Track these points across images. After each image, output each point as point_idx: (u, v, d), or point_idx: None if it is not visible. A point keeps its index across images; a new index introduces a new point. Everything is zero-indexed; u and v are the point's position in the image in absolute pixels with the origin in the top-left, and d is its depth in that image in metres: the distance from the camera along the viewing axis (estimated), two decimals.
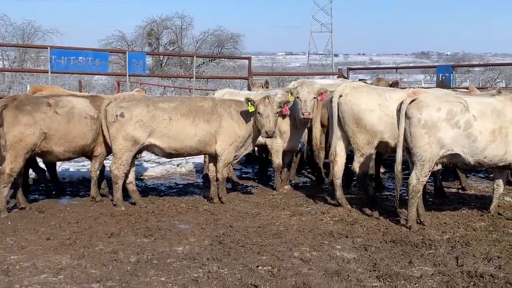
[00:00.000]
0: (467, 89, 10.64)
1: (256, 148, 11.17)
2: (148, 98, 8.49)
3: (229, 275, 5.45)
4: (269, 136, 8.28)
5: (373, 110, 7.94)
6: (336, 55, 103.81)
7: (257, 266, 5.66)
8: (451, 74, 13.29)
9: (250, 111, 8.28)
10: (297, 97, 8.90)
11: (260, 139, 9.04)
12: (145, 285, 5.22)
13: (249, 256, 6.01)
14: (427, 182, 7.65)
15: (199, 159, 11.54)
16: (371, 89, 8.48)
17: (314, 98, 9.01)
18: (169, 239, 6.63)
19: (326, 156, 10.07)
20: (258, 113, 8.21)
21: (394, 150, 7.45)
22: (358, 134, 8.12)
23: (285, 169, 9.70)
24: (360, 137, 8.15)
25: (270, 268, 5.60)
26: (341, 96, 8.20)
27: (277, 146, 9.41)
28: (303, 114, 8.83)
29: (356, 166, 8.27)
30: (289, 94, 8.92)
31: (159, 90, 27.59)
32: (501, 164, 7.32)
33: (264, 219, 7.60)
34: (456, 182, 9.78)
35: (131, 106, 8.06)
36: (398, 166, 7.18)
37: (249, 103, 8.25)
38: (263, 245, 6.36)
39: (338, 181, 8.35)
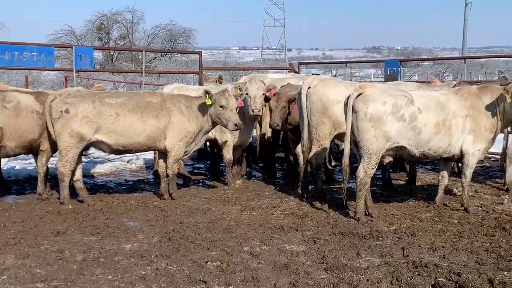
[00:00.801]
0: (427, 82, 10.80)
1: (207, 143, 11.14)
2: (94, 93, 8.33)
3: (178, 271, 5.42)
4: (238, 128, 8.28)
5: (339, 102, 7.99)
6: (289, 50, 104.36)
7: (206, 262, 5.64)
8: (399, 68, 13.53)
9: (208, 103, 8.22)
10: (246, 94, 8.89)
11: (210, 134, 9.03)
12: (91, 284, 5.14)
13: (198, 252, 5.98)
14: (375, 174, 7.77)
15: (150, 155, 11.42)
16: (338, 81, 8.71)
17: (263, 94, 9.05)
18: (117, 237, 6.54)
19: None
20: (221, 106, 8.17)
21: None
22: (322, 125, 8.27)
23: (236, 164, 9.70)
24: (323, 128, 8.28)
25: (219, 263, 5.59)
26: (309, 87, 8.31)
27: (227, 141, 9.40)
28: (253, 111, 8.85)
29: (312, 157, 8.38)
30: (238, 90, 8.90)
31: (109, 85, 27.16)
32: (445, 156, 7.50)
33: (215, 215, 7.58)
34: (403, 174, 9.96)
35: (77, 102, 7.89)
36: (345, 159, 7.27)
37: (207, 95, 8.19)
38: (213, 241, 6.35)
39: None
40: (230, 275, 5.29)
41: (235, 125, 8.17)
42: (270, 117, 8.99)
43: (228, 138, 9.34)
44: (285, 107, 8.83)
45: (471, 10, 47.87)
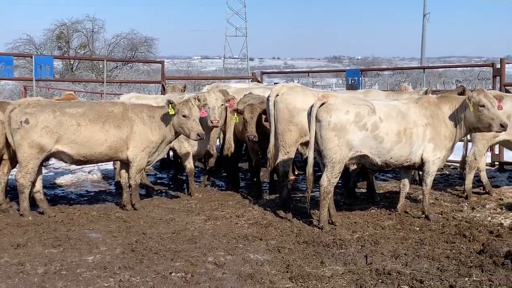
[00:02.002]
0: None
1: (171, 153, 11.07)
2: (55, 103, 8.20)
3: (142, 283, 5.35)
4: (201, 138, 8.25)
5: (306, 110, 8.04)
6: (251, 59, 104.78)
7: (170, 273, 5.59)
8: (360, 78, 13.70)
9: (171, 113, 8.16)
10: (205, 104, 8.87)
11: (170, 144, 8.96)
12: None
13: (162, 263, 5.92)
14: (338, 182, 7.84)
15: (111, 165, 11.26)
16: (306, 89, 8.77)
17: (222, 105, 9.06)
18: (79, 249, 6.43)
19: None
20: (184, 116, 8.12)
21: None
22: (289, 132, 8.34)
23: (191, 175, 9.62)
24: (290, 136, 8.35)
25: (183, 274, 5.55)
26: (277, 95, 8.35)
27: (185, 150, 9.34)
28: (212, 122, 8.81)
29: (279, 164, 8.42)
30: (197, 101, 8.86)
31: (62, 94, 26.71)
32: (406, 164, 7.62)
33: (179, 225, 7.52)
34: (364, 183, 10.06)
35: (37, 112, 7.74)
36: (309, 168, 7.31)
37: (170, 105, 8.14)
38: (177, 251, 6.30)
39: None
40: (194, 286, 5.26)
41: (198, 135, 8.14)
42: (246, 128, 8.98)
43: (185, 147, 9.28)
44: (260, 118, 8.86)
45: (429, 21, 48.99)
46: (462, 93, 9.60)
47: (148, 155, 8.29)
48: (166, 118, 8.24)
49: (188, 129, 8.15)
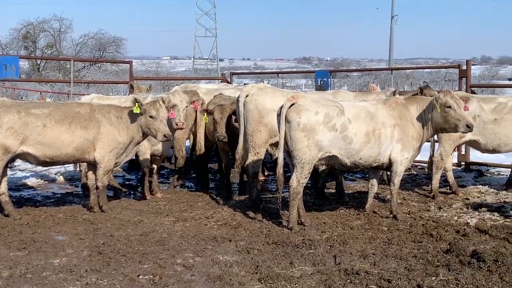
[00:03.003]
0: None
1: None
2: (20, 103, 8.05)
3: (109, 286, 5.29)
4: (168, 139, 8.18)
5: (275, 110, 8.04)
6: (221, 60, 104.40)
7: (138, 275, 5.53)
8: (329, 79, 13.78)
9: (135, 112, 8.07)
10: (170, 105, 8.77)
11: None
12: None
13: (130, 265, 5.85)
14: (307, 182, 7.86)
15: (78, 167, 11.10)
16: (275, 90, 8.76)
17: (187, 106, 9.01)
18: (44, 252, 6.32)
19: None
20: (151, 116, 8.04)
21: None
22: (258, 133, 8.33)
23: (155, 176, 9.56)
24: (259, 136, 8.34)
25: (151, 276, 5.50)
26: (247, 96, 8.34)
27: (144, 150, 9.21)
28: (177, 124, 8.70)
29: (249, 165, 8.42)
30: (161, 102, 8.78)
31: (35, 95, 26.32)
32: (375, 165, 7.68)
33: (147, 227, 7.45)
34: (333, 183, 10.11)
35: (1, 113, 7.57)
36: (279, 169, 7.32)
37: (136, 104, 8.05)
38: (145, 253, 6.23)
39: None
40: None
41: (164, 136, 8.06)
42: (216, 129, 8.94)
43: (145, 146, 9.14)
44: (230, 119, 8.83)
45: (396, 23, 49.51)
46: (421, 90, 9.77)
47: (115, 156, 8.18)
48: (134, 119, 8.15)
49: (155, 130, 8.07)
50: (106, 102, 9.13)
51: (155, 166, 9.52)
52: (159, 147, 9.24)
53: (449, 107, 7.48)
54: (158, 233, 7.13)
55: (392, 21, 49.10)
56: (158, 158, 9.54)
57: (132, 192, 9.89)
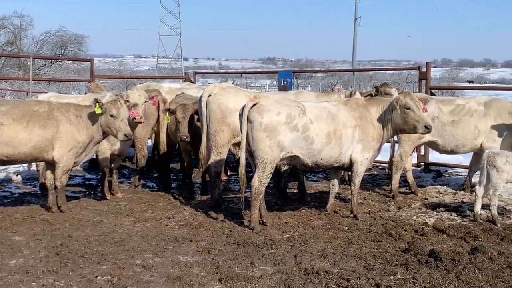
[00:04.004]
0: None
1: None
2: None
3: (65, 287, 5.20)
4: (129, 138, 8.09)
5: (238, 110, 8.02)
6: (185, 59, 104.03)
7: (96, 276, 5.46)
8: (292, 79, 13.85)
9: (97, 113, 7.95)
10: (127, 101, 8.70)
11: None
12: None
13: (88, 266, 5.77)
14: (269, 182, 7.88)
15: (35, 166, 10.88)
16: (238, 90, 8.74)
17: (146, 101, 8.94)
18: (0, 252, 6.19)
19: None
20: (111, 115, 7.93)
21: None
22: (221, 133, 8.31)
23: (115, 176, 9.45)
24: (222, 136, 8.32)
25: (110, 277, 5.43)
26: (210, 95, 8.30)
27: (103, 149, 9.09)
28: (135, 118, 8.62)
29: (211, 165, 8.39)
30: (122, 101, 8.68)
31: None
32: (336, 165, 7.74)
33: (107, 227, 7.35)
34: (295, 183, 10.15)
35: None
36: (241, 169, 7.31)
37: (97, 104, 7.93)
38: (103, 254, 6.15)
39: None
40: None
41: (125, 135, 7.97)
42: (178, 129, 8.87)
43: (105, 146, 9.02)
44: (192, 118, 8.78)
45: (360, 24, 50.05)
46: (377, 89, 9.91)
47: (75, 155, 8.04)
48: (93, 118, 8.03)
49: (115, 129, 7.96)
50: (64, 101, 8.94)
51: (115, 166, 9.39)
52: (118, 146, 9.11)
53: (409, 108, 7.59)
54: (118, 233, 7.04)
55: (356, 23, 49.60)
56: (118, 157, 9.42)
57: (92, 192, 9.74)
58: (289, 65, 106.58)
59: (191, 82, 15.39)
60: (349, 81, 45.81)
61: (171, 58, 79.36)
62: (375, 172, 11.89)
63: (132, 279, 5.41)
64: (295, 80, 14.46)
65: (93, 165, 11.71)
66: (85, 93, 13.10)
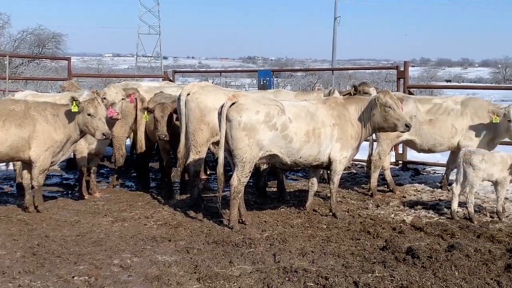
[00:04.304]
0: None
1: None
2: None
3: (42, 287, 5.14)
4: (107, 137, 8.04)
5: (217, 109, 7.99)
6: (165, 58, 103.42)
7: (73, 277, 5.41)
8: (272, 78, 13.86)
9: (73, 111, 7.87)
10: (104, 99, 8.63)
11: None
12: None
13: (65, 266, 5.72)
14: (249, 181, 7.88)
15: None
16: (217, 89, 8.72)
17: (123, 99, 8.89)
18: None
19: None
20: (89, 114, 7.85)
21: None
22: (200, 131, 8.29)
23: (93, 175, 9.38)
24: (201, 135, 8.31)
25: (87, 277, 5.39)
26: (188, 94, 8.27)
27: (81, 149, 9.02)
28: (112, 117, 8.52)
29: (190, 164, 8.37)
30: (96, 95, 8.63)
31: None
32: (315, 164, 7.76)
33: (84, 227, 7.29)
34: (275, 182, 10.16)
35: None
36: (220, 168, 7.30)
37: (74, 102, 7.84)
38: (81, 254, 6.10)
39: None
40: None
41: (103, 134, 7.90)
42: (157, 127, 8.83)
43: (82, 145, 8.95)
44: (171, 117, 8.74)
45: (339, 24, 50.29)
46: (355, 88, 9.96)
47: (52, 155, 7.95)
48: (71, 117, 7.94)
49: (93, 128, 7.89)
50: (41, 99, 8.84)
51: (92, 165, 9.32)
52: (96, 145, 9.03)
53: (389, 107, 7.64)
54: (96, 233, 6.99)
55: (335, 22, 49.82)
56: (96, 156, 9.34)
57: (69, 192, 9.65)
58: (269, 64, 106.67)
59: (170, 81, 15.32)
60: (329, 80, 46.04)
61: (151, 56, 78.85)
62: (354, 171, 11.95)
63: (110, 279, 5.37)
64: (275, 79, 14.45)
65: (71, 164, 11.60)
66: (59, 92, 12.96)
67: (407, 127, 7.74)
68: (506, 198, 8.59)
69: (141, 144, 9.92)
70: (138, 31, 77.31)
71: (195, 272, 5.56)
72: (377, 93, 8.33)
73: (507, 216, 7.98)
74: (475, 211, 7.83)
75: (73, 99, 7.90)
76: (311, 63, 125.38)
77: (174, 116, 8.79)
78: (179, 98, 8.41)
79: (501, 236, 6.82)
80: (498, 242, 6.65)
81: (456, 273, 5.48)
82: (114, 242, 6.60)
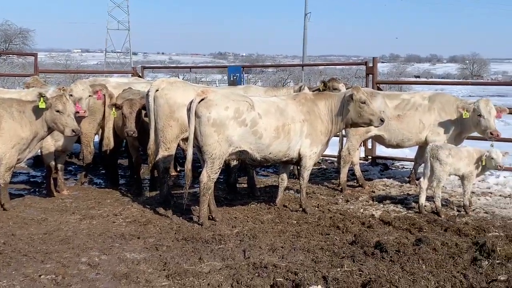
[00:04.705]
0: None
1: None
2: None
3: (8, 287, 5.06)
4: (76, 134, 7.91)
5: (186, 105, 7.93)
6: (135, 54, 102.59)
7: (40, 276, 5.34)
8: (242, 74, 13.84)
9: (41, 107, 7.73)
10: (71, 95, 8.51)
11: None
12: None
13: (31, 265, 5.64)
14: (219, 178, 7.85)
15: None
16: (187, 85, 8.67)
17: (90, 96, 8.80)
18: None
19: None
20: (57, 111, 7.72)
21: None
22: (169, 128, 8.23)
23: (60, 172, 9.25)
24: (170, 131, 8.25)
25: (54, 276, 5.33)
26: (157, 90, 8.21)
27: (48, 146, 8.87)
28: (78, 112, 8.44)
29: (159, 160, 8.33)
30: (62, 91, 8.50)
31: None
32: (285, 159, 7.77)
33: (51, 225, 7.20)
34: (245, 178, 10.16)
35: None
36: (188, 165, 7.27)
37: (41, 99, 7.70)
38: (48, 253, 6.02)
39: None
40: None
41: (73, 131, 7.79)
42: (125, 124, 8.74)
43: (49, 142, 8.81)
44: (139, 114, 8.66)
45: (310, 20, 50.40)
46: (325, 84, 10.00)
47: (18, 152, 7.81)
48: (38, 113, 7.81)
49: (62, 125, 7.77)
50: (6, 96, 8.67)
51: (60, 162, 9.18)
52: (62, 142, 8.89)
53: (364, 102, 7.69)
54: (63, 231, 6.90)
55: (306, 18, 49.94)
56: (63, 153, 9.21)
57: (36, 190, 9.50)
58: (240, 60, 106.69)
59: (139, 76, 15.18)
60: (300, 76, 46.16)
61: (120, 52, 78.10)
62: (324, 166, 12.01)
63: (77, 278, 5.32)
64: (246, 75, 14.43)
65: (38, 162, 11.42)
66: (23, 89, 12.74)
67: (382, 121, 7.82)
68: (472, 192, 8.75)
69: (110, 141, 9.81)
70: (107, 26, 76.50)
71: (164, 269, 5.53)
72: (347, 89, 8.37)
73: (473, 210, 8.12)
74: (442, 205, 7.94)
75: (41, 95, 7.76)
76: (282, 59, 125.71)
77: (143, 112, 8.72)
78: (147, 94, 8.34)
79: (468, 230, 6.93)
80: (464, 235, 6.76)
81: (424, 267, 5.55)
82: (82, 240, 6.53)
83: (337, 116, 7.83)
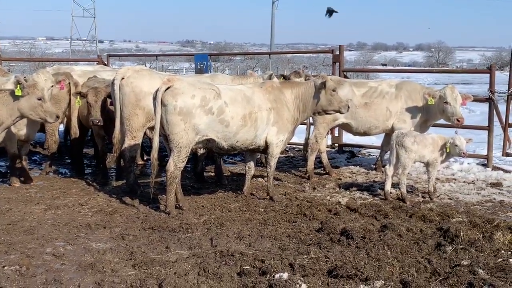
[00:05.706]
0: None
1: None
2: None
3: None
4: (58, 119, 7.90)
5: (152, 94, 7.85)
6: (101, 41, 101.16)
7: (3, 267, 5.26)
8: (209, 63, 13.76)
9: (17, 94, 7.54)
10: (34, 85, 8.34)
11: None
12: None
13: None
14: (186, 166, 7.81)
15: None
16: (153, 73, 8.60)
17: (52, 86, 8.66)
18: None
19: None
20: (39, 99, 7.58)
21: None
22: (135, 117, 8.17)
23: (24, 162, 9.10)
24: (136, 120, 8.18)
25: (18, 267, 5.25)
26: (123, 78, 8.11)
27: (11, 135, 8.67)
28: None
29: (125, 149, 8.26)
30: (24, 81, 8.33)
31: None
32: (252, 147, 7.77)
33: (15, 215, 7.08)
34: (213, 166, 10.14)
35: None
36: (154, 153, 7.22)
37: (18, 86, 7.52)
38: (12, 243, 5.93)
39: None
40: (29, 279, 4.99)
41: (57, 116, 7.72)
42: (90, 113, 8.61)
43: (12, 131, 8.64)
44: (105, 102, 8.54)
45: (277, 8, 50.28)
46: (285, 78, 10.03)
47: None
48: (5, 102, 7.61)
49: (43, 113, 7.62)
50: None
51: (23, 152, 9.01)
52: (25, 131, 8.72)
53: (334, 90, 7.76)
54: (27, 222, 6.81)
55: (273, 6, 49.81)
56: (26, 143, 9.03)
57: (0, 180, 9.31)
58: (208, 48, 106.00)
59: (105, 64, 14.99)
60: (267, 64, 46.16)
61: (85, 40, 76.77)
62: (291, 154, 12.05)
63: (42, 268, 5.25)
64: (214, 63, 14.35)
65: (2, 151, 11.19)
66: None
67: (348, 108, 7.92)
68: (437, 179, 8.89)
69: (75, 130, 9.66)
70: (72, 13, 75.01)
71: (130, 259, 5.50)
72: (315, 77, 8.38)
73: (438, 196, 8.26)
74: (407, 191, 8.06)
75: (18, 82, 7.57)
76: (250, 47, 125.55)
77: (108, 101, 8.61)
78: (113, 83, 8.23)
79: (432, 216, 7.05)
80: (429, 221, 6.88)
81: (389, 253, 5.63)
82: (47, 230, 6.45)
83: (304, 104, 7.86)
